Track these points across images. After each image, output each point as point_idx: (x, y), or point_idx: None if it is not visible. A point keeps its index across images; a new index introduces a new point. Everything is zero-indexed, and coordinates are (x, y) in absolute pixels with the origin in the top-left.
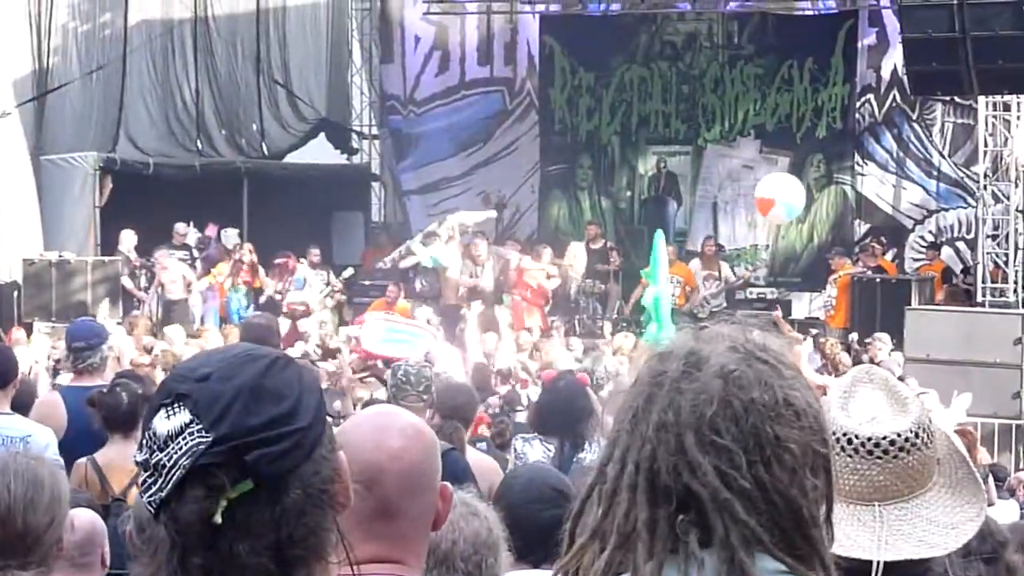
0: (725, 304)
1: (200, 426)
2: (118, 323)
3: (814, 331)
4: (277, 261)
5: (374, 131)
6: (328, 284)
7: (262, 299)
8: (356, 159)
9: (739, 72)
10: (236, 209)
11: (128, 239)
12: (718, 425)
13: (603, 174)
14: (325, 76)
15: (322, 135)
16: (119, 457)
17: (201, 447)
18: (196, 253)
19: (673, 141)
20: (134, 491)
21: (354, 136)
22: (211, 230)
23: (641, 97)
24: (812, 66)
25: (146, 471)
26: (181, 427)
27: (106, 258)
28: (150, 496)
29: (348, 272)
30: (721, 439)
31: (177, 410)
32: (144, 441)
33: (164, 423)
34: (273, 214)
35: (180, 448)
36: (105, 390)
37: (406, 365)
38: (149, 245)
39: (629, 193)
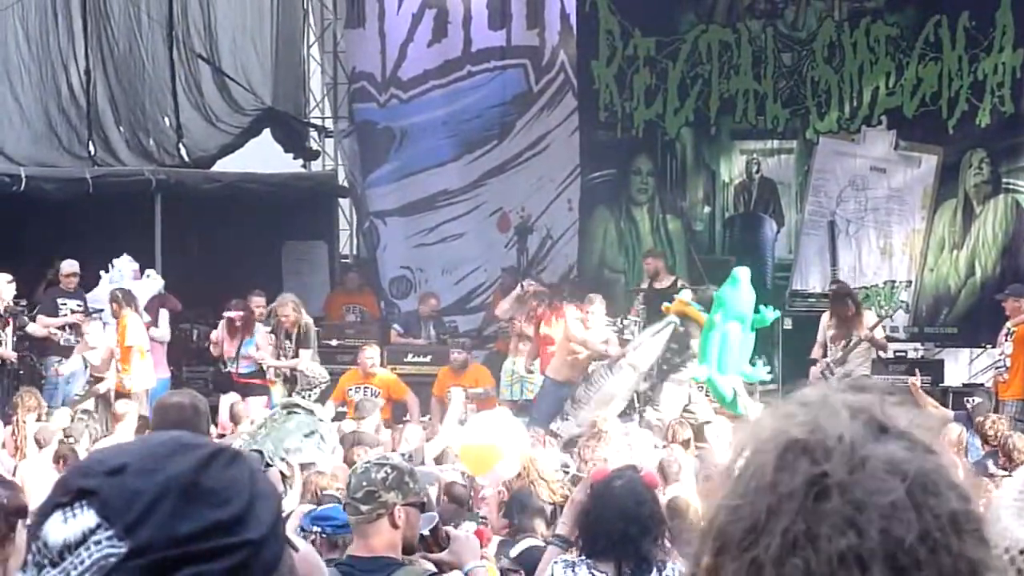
0: (860, 371)
1: (111, 532)
2: None
3: (974, 400)
4: (227, 315)
5: (341, 126)
6: (277, 347)
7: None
8: (316, 166)
9: (864, 34)
10: (144, 239)
11: (6, 287)
12: (918, 554)
13: (670, 183)
14: (270, 48)
15: (266, 132)
16: None
17: (112, 560)
18: (91, 305)
19: (771, 134)
20: None
21: (313, 133)
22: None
23: (723, 71)
24: (969, 24)
25: None
26: (84, 534)
27: None
28: None
29: None
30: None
31: (79, 511)
32: (31, 555)
33: (60, 529)
34: (197, 245)
35: (82, 561)
36: None
37: (366, 464)
38: (18, 293)
39: (708, 209)
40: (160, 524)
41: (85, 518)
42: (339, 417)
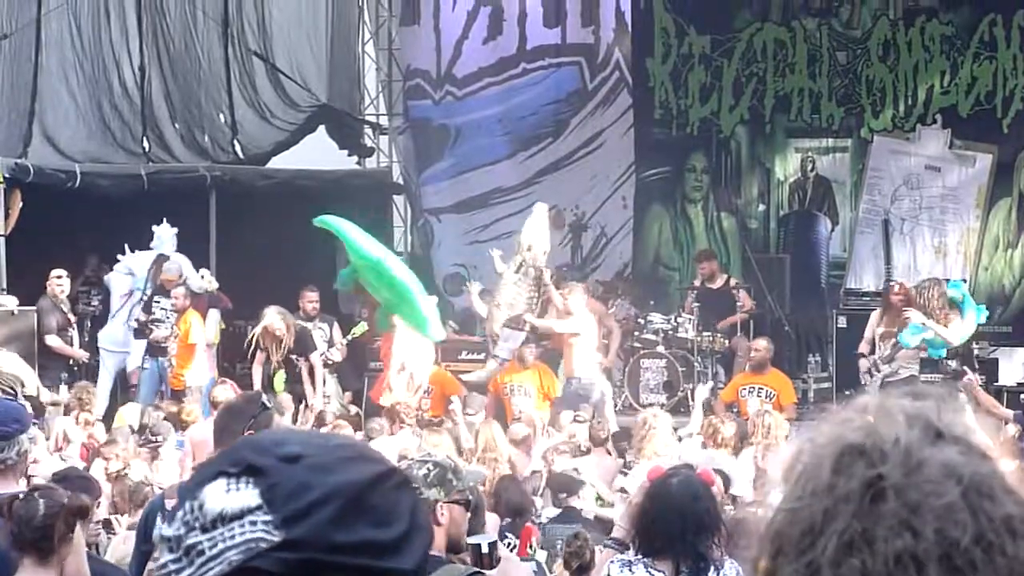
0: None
1: (269, 518)
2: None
3: None
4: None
5: (396, 123)
6: (329, 342)
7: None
8: (371, 163)
9: (919, 32)
10: (199, 235)
11: (61, 281)
12: (973, 556)
13: (725, 181)
14: (325, 45)
15: (321, 129)
16: None
17: (262, 545)
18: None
19: (825, 132)
20: None
21: (367, 130)
22: (174, 265)
23: (778, 70)
24: None
25: (171, 552)
26: (242, 510)
27: (15, 308)
28: None
29: (360, 328)
30: None
31: (243, 486)
32: (182, 512)
33: (220, 497)
34: (252, 242)
35: (232, 537)
36: (22, 496)
37: (408, 462)
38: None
39: (762, 207)
40: (318, 526)
41: (248, 495)
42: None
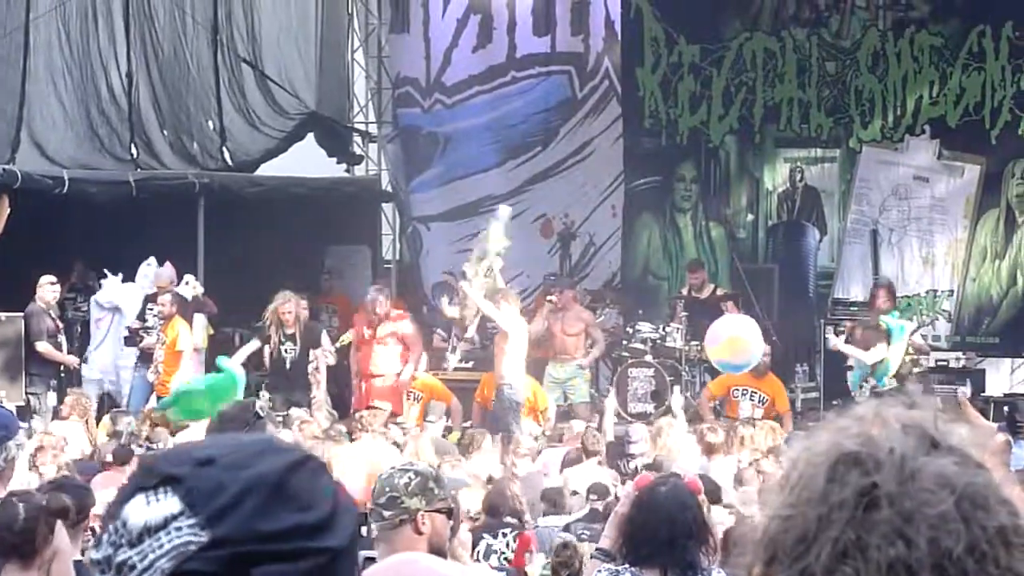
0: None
1: (193, 521)
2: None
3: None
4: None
5: (385, 131)
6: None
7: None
8: (360, 171)
9: (908, 43)
10: (187, 242)
11: (49, 288)
12: (965, 565)
13: (714, 190)
14: (314, 52)
15: (310, 136)
16: None
17: (191, 548)
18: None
19: (814, 142)
20: None
21: (356, 138)
22: (166, 271)
23: (768, 79)
24: (1013, 34)
25: (103, 573)
26: (166, 519)
27: (2, 314)
28: None
29: (347, 337)
30: None
31: (163, 496)
32: (107, 534)
33: (141, 511)
34: (240, 249)
35: (161, 546)
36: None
37: (390, 470)
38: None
39: (751, 217)
40: (242, 519)
41: (168, 504)
42: None
